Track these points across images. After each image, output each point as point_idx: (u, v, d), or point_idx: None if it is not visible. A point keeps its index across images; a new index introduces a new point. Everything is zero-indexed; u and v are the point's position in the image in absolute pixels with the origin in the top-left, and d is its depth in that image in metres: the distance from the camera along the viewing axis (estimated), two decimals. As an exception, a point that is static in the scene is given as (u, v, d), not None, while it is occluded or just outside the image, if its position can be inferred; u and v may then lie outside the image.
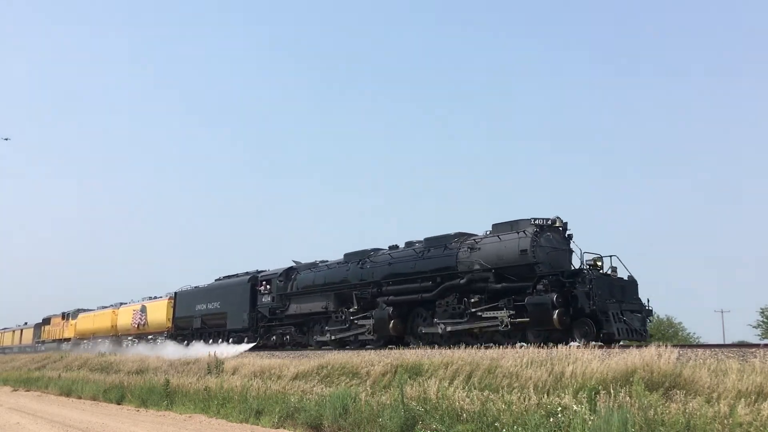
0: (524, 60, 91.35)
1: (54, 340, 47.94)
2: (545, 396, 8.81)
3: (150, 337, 32.89)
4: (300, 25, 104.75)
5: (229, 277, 26.31)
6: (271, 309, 21.80)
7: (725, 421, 6.82)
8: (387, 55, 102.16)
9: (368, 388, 11.75)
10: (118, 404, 19.42)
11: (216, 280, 27.19)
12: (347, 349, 17.38)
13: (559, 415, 8.11)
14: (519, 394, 9.05)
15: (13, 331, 62.39)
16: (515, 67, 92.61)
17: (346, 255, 19.33)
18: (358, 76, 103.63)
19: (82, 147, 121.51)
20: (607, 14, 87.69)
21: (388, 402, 10.69)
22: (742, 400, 7.11)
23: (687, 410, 7.25)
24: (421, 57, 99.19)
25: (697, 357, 8.98)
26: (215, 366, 18.13)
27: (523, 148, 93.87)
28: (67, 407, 19.63)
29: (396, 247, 18.10)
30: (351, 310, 18.03)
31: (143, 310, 34.24)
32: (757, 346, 10.65)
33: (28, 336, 56.38)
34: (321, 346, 19.16)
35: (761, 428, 6.62)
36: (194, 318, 26.63)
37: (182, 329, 28.18)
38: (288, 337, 20.91)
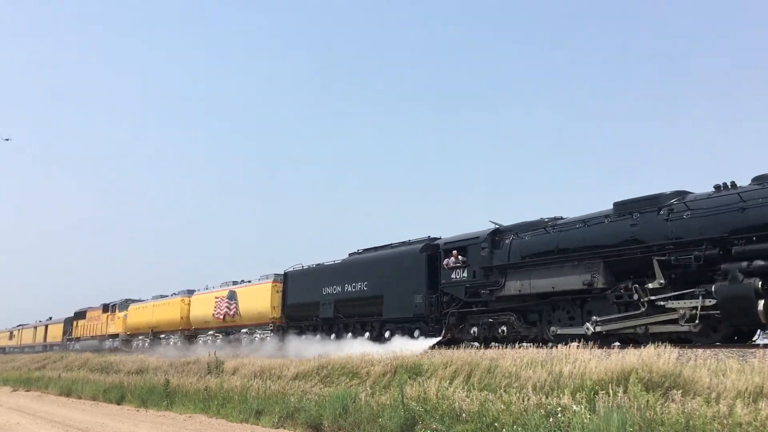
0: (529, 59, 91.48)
1: (93, 337, 40.73)
2: (545, 396, 8.83)
3: (245, 330, 26.44)
4: (303, 21, 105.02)
5: (378, 248, 20.01)
6: (470, 288, 15.79)
7: (725, 421, 6.83)
8: (389, 55, 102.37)
9: (368, 388, 11.76)
10: (118, 404, 19.45)
11: (352, 255, 20.82)
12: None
13: (559, 415, 8.12)
14: (518, 395, 9.07)
15: (35, 328, 54.95)
16: (518, 66, 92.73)
17: (617, 204, 13.26)
18: (359, 76, 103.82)
19: (81, 148, 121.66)
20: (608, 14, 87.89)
21: (388, 402, 10.71)
22: (740, 400, 7.13)
23: (686, 410, 7.26)
24: (422, 56, 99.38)
25: (697, 357, 8.99)
26: (215, 366, 18.16)
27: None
28: (67, 407, 19.65)
29: (723, 187, 11.87)
30: (650, 285, 11.95)
31: (232, 296, 27.20)
32: (756, 346, 10.65)
33: (55, 333, 49.44)
34: (578, 341, 12.00)
35: (761, 428, 6.63)
36: (321, 305, 20.47)
37: (298, 320, 22.06)
38: (505, 328, 14.82)
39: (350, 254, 21.04)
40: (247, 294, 26.61)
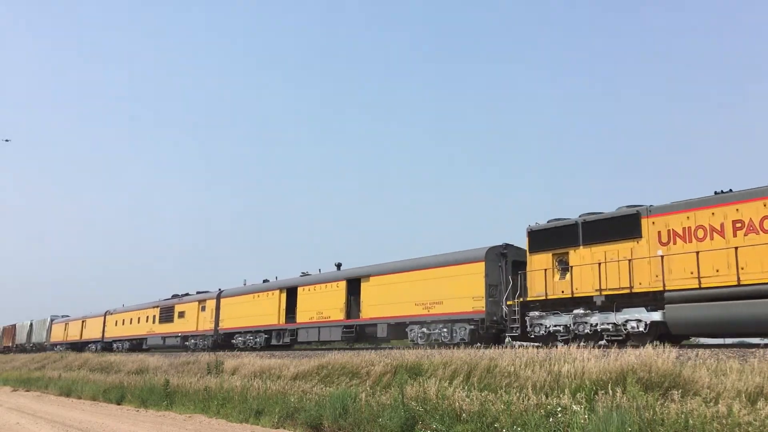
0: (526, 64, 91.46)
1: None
2: (545, 396, 8.82)
3: None
4: (302, 32, 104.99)
5: None
6: None
7: (724, 421, 6.82)
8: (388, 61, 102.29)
9: (368, 388, 11.76)
10: (118, 404, 19.45)
11: None
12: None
13: (559, 416, 8.12)
14: (518, 395, 9.06)
15: (214, 299, 28.20)
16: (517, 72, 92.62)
17: None
18: (358, 84, 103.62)
19: (81, 147, 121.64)
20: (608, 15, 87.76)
21: (388, 402, 10.71)
22: (738, 400, 7.13)
23: (685, 410, 7.25)
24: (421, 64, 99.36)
25: (697, 357, 8.99)
26: (215, 366, 18.14)
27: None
28: (67, 407, 19.63)
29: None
30: None
31: None
32: (756, 346, 10.64)
33: (323, 302, 22.10)
34: None
35: (760, 428, 6.62)
36: None
37: None
38: None
39: None
40: None
